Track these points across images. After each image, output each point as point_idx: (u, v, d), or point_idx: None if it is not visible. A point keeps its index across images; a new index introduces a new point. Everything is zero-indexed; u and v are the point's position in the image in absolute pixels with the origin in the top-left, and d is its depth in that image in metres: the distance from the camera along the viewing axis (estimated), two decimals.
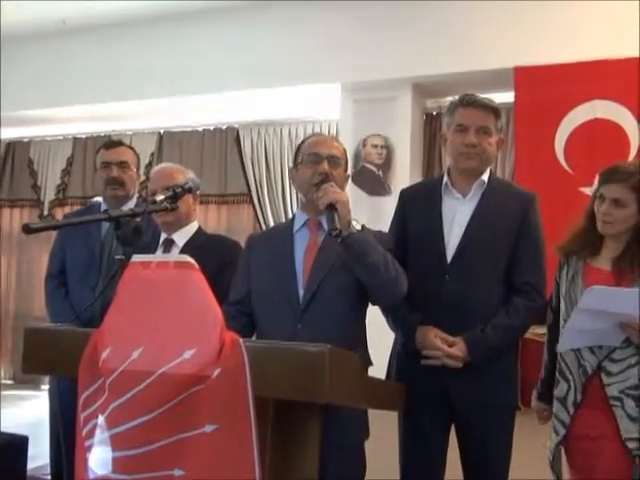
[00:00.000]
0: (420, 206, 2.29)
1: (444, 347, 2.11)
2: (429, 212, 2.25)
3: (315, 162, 2.09)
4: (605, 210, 2.08)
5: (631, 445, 2.02)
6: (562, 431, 2.15)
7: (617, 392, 2.04)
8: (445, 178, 2.29)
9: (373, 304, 2.15)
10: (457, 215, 2.22)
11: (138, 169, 2.97)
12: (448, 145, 2.28)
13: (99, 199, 3.01)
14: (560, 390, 2.16)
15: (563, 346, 2.12)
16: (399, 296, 2.06)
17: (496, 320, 2.15)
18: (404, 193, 2.41)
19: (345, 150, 2.21)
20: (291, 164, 2.29)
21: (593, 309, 1.99)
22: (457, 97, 2.29)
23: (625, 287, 2.05)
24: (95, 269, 2.75)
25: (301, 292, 2.05)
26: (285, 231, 2.19)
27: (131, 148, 3.03)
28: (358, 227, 1.99)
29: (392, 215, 2.40)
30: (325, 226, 2.05)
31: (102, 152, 2.92)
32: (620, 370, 2.05)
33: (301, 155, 2.16)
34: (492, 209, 2.22)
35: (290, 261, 2.09)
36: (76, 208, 5.77)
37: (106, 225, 2.74)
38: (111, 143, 3.02)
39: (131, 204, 2.83)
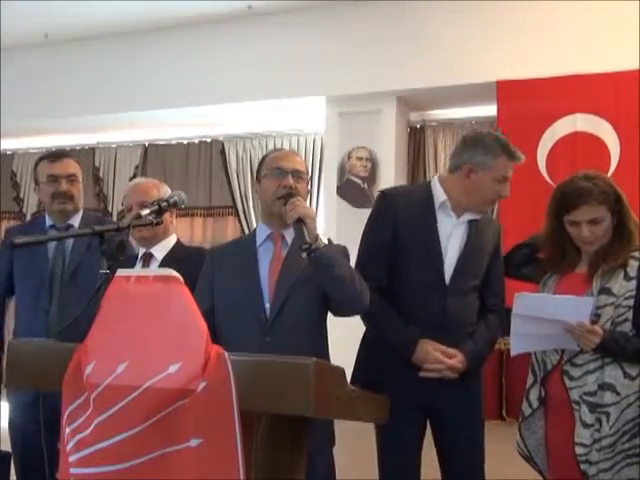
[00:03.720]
0: (412, 214, 2.29)
1: (446, 360, 2.20)
2: (425, 227, 2.28)
3: (279, 176, 2.13)
4: (587, 233, 2.13)
5: (579, 450, 2.05)
6: (520, 421, 2.22)
7: (577, 397, 2.08)
8: (443, 196, 2.30)
9: (335, 315, 2.18)
10: (452, 236, 2.28)
11: (83, 181, 2.85)
12: (480, 183, 2.26)
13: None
14: (527, 383, 2.24)
15: (513, 350, 2.20)
16: (362, 309, 2.12)
17: (481, 334, 2.28)
18: (390, 196, 2.38)
19: (306, 165, 2.27)
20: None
21: (526, 315, 2.05)
22: (503, 143, 2.27)
23: (594, 282, 2.10)
24: (45, 291, 2.64)
25: (267, 306, 2.07)
26: (248, 245, 2.21)
27: (75, 160, 2.87)
28: (325, 241, 2.03)
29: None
30: (288, 239, 2.10)
31: (46, 165, 2.76)
32: (580, 375, 2.09)
33: (265, 169, 2.19)
34: (478, 234, 2.31)
35: (255, 275, 2.11)
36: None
37: (53, 244, 2.66)
38: (55, 155, 2.83)
39: (78, 217, 2.76)
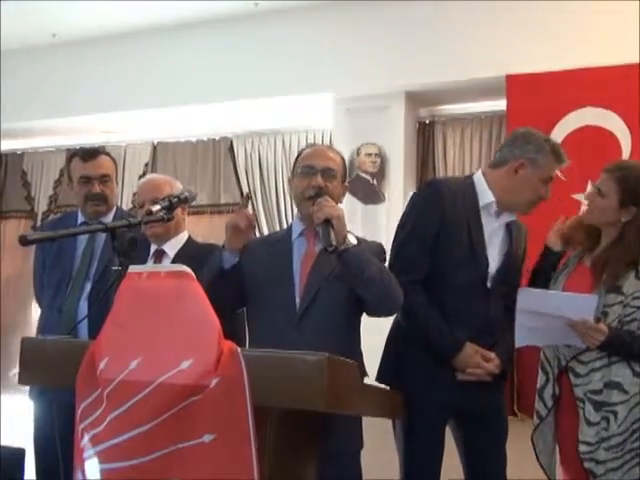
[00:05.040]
0: (458, 216, 2.23)
1: (486, 365, 2.19)
2: (470, 229, 2.23)
3: (308, 175, 2.08)
4: (586, 195, 2.13)
5: (582, 448, 2.03)
6: (536, 422, 2.19)
7: (582, 394, 2.06)
8: (490, 197, 2.25)
9: (369, 315, 2.15)
10: (493, 238, 2.27)
11: (116, 177, 2.76)
12: (526, 180, 2.23)
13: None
14: (539, 382, 2.21)
15: (517, 342, 2.19)
16: (395, 309, 2.07)
17: (509, 336, 2.25)
18: (439, 190, 2.26)
19: (343, 160, 2.19)
20: (285, 173, 2.31)
21: (529, 309, 2.03)
22: (548, 142, 2.25)
23: (597, 285, 2.08)
24: (63, 291, 2.60)
25: (297, 300, 2.05)
26: (283, 238, 2.18)
27: (108, 154, 2.76)
28: (354, 241, 1.98)
29: (386, 222, 2.39)
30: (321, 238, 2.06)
31: (79, 164, 2.65)
32: (585, 373, 2.07)
33: (297, 166, 2.15)
34: (514, 237, 2.30)
35: (288, 269, 2.09)
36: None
37: (83, 242, 2.62)
38: (88, 154, 2.69)
39: (111, 214, 2.69)
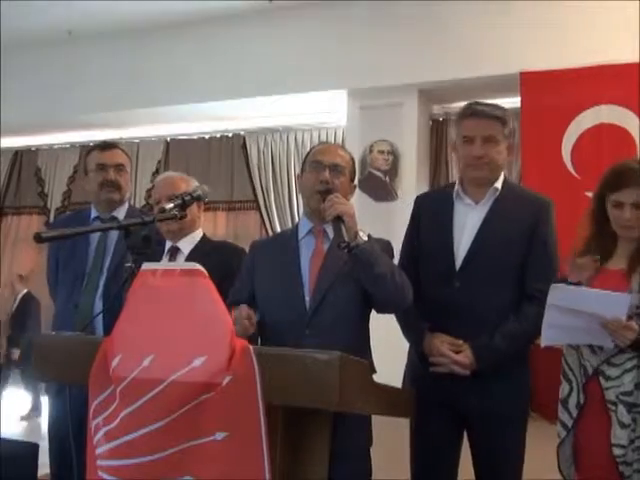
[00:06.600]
0: (432, 213, 2.28)
1: (450, 354, 2.10)
2: (440, 219, 2.24)
3: (317, 170, 2.10)
4: (629, 217, 2.04)
5: (617, 452, 1.99)
6: (563, 433, 2.14)
7: (614, 397, 2.02)
8: (457, 186, 2.27)
9: (378, 312, 2.15)
10: (468, 221, 2.20)
11: (130, 174, 2.85)
12: (459, 153, 2.26)
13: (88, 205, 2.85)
14: (562, 392, 2.15)
15: (543, 340, 2.10)
16: (404, 305, 2.06)
17: (504, 327, 2.12)
18: (418, 200, 2.40)
19: (352, 159, 2.21)
20: (298, 170, 2.32)
21: (560, 306, 1.99)
22: (464, 107, 2.28)
23: (633, 279, 2.04)
24: (79, 286, 2.63)
25: (307, 299, 2.05)
26: (290, 238, 2.19)
27: (124, 151, 2.88)
28: (364, 237, 1.99)
29: (399, 220, 2.40)
30: (330, 234, 2.07)
31: (96, 154, 2.77)
32: (617, 375, 2.02)
33: (306, 163, 2.18)
34: (504, 215, 2.19)
35: (296, 268, 2.10)
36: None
37: (96, 238, 2.65)
38: (105, 145, 2.85)
39: (123, 209, 2.75)
